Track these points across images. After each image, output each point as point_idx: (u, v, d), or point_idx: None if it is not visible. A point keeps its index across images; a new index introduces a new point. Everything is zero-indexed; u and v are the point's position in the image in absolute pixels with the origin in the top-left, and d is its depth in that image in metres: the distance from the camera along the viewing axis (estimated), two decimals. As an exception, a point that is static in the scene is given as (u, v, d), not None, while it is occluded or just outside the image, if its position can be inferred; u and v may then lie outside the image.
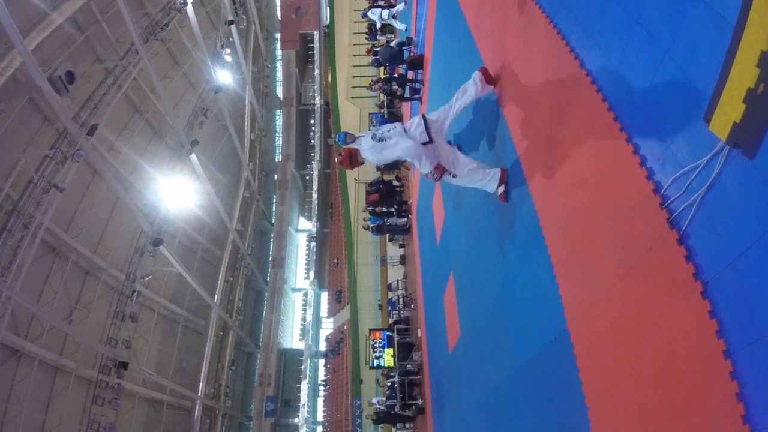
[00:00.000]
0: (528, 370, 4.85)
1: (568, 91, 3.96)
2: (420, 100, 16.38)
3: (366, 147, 5.24)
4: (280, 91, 48.40)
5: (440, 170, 5.22)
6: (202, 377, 33.97)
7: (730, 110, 2.09)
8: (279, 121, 48.91)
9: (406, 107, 20.42)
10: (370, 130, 7.81)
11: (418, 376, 17.77)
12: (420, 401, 17.41)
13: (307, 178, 49.03)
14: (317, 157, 46.08)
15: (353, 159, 5.40)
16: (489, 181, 5.30)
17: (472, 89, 5.64)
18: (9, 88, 16.14)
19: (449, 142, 5.76)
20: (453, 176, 5.17)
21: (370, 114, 27.85)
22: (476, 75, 5.75)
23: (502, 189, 5.28)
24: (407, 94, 17.89)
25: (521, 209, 4.96)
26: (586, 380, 3.55)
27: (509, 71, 5.73)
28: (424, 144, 5.04)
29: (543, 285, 4.32)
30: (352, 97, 35.34)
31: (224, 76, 29.67)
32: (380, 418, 19.28)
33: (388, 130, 5.17)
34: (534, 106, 4.94)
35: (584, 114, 3.64)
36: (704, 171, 2.28)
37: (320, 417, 43.81)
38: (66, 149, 17.31)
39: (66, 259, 22.13)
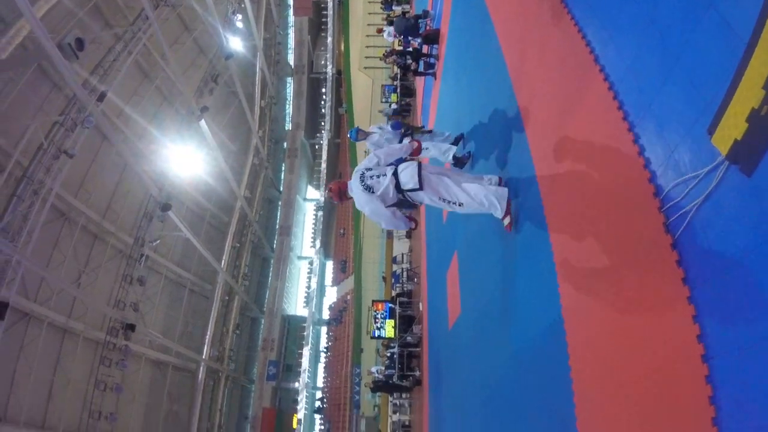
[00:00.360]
0: (522, 352, 4.97)
1: (579, 83, 4.01)
2: (434, 75, 16.28)
3: (355, 188, 5.17)
4: (291, 59, 47.98)
5: (415, 223, 5.44)
6: (207, 340, 34.49)
7: (732, 127, 2.15)
8: (290, 89, 48.53)
9: (419, 81, 20.29)
10: (380, 128, 7.79)
11: (417, 349, 17.98)
12: (417, 373, 17.62)
13: (317, 147, 49.00)
14: (327, 126, 45.97)
15: (342, 195, 5.36)
16: (492, 205, 5.15)
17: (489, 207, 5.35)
18: (18, 57, 16.10)
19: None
20: (459, 205, 5.06)
21: (382, 86, 27.61)
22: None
23: (508, 221, 5.29)
24: (421, 68, 17.78)
25: (527, 197, 5.03)
26: (575, 367, 3.67)
27: (524, 56, 5.79)
28: (413, 190, 4.98)
29: (542, 270, 4.41)
30: (365, 68, 35.07)
31: (235, 43, 29.42)
32: (378, 386, 19.64)
33: (377, 176, 5.10)
34: (545, 94, 5.00)
35: (594, 107, 3.69)
36: (703, 182, 2.35)
37: (320, 383, 44.51)
38: (75, 115, 17.30)
39: (75, 223, 22.31)
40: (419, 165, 5.02)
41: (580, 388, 3.58)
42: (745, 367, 2.03)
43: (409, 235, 24.91)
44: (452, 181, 5.00)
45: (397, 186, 4.99)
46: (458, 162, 7.73)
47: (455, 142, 8.12)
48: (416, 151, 5.46)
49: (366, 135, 7.81)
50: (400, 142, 7.50)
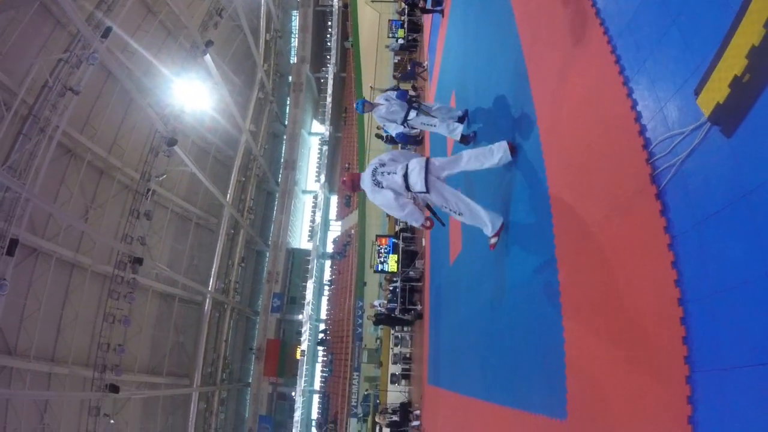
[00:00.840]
0: (517, 289, 5.23)
1: (580, 33, 4.08)
2: (441, 12, 16.05)
3: (366, 181, 5.41)
4: (297, -9, 46.91)
5: (430, 222, 5.47)
6: (212, 273, 35.07)
7: (716, 90, 2.30)
8: (295, 23, 47.51)
9: (427, 19, 19.97)
10: (386, 99, 7.59)
11: (419, 284, 18.32)
12: (419, 307, 18.01)
13: (322, 81, 48.33)
14: (333, 60, 45.21)
15: (356, 186, 5.61)
16: (486, 224, 5.46)
17: (490, 161, 5.33)
18: None
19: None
20: (459, 214, 5.32)
21: (389, 20, 27.07)
22: (503, 147, 5.33)
23: (494, 240, 5.57)
24: (429, 5, 17.51)
25: (528, 139, 5.16)
26: (565, 304, 3.91)
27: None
28: (421, 192, 5.18)
29: (539, 211, 4.61)
30: (372, 1, 34.26)
31: (240, -25, 28.78)
32: (380, 320, 20.04)
33: (388, 173, 5.28)
34: (547, 40, 5.10)
35: (593, 59, 3.78)
36: (688, 139, 2.50)
37: (324, 315, 45.42)
38: (80, 52, 17.05)
39: (81, 159, 22.44)
40: (426, 166, 5.16)
41: (569, 325, 3.82)
42: (717, 310, 2.21)
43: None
44: (454, 194, 5.27)
45: (406, 186, 5.21)
46: (464, 140, 7.83)
47: (461, 119, 8.16)
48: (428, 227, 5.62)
49: (372, 107, 7.72)
50: (407, 113, 7.48)
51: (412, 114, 7.56)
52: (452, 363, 9.80)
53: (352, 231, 38.39)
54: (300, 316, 44.46)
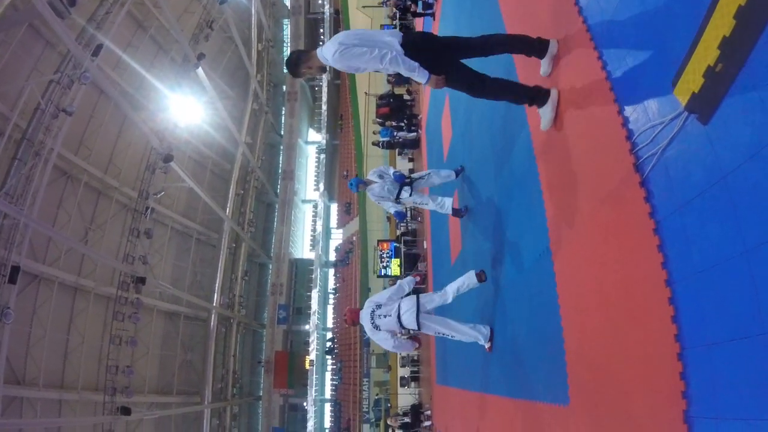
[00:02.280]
0: (515, 282, 5.42)
1: (561, 30, 4.18)
2: (432, 15, 16.23)
3: (365, 321, 5.95)
4: (287, 0, 47.08)
5: (419, 343, 6.66)
6: (216, 288, 34.93)
7: (691, 81, 2.39)
8: (287, 31, 47.63)
9: (418, 22, 20.14)
10: (380, 177, 7.73)
11: (422, 286, 18.42)
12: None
13: (316, 89, 48.48)
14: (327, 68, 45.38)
15: (355, 321, 6.14)
16: (478, 337, 6.08)
17: (468, 287, 6.14)
18: (9, 17, 15.68)
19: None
20: (452, 336, 6.03)
21: (381, 25, 27.18)
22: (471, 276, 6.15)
23: (489, 345, 6.10)
24: (420, 9, 17.69)
25: (519, 136, 5.32)
26: (561, 293, 4.07)
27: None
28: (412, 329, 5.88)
29: (533, 206, 4.76)
30: (363, 6, 34.30)
31: (229, -14, 28.85)
32: (387, 323, 20.20)
33: (384, 316, 5.85)
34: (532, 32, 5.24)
35: (574, 52, 3.93)
36: (667, 128, 2.61)
37: (330, 323, 45.48)
38: (72, 72, 16.91)
39: (78, 181, 22.41)
40: (417, 308, 5.81)
41: (567, 313, 3.96)
42: (702, 289, 2.30)
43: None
44: (444, 324, 5.98)
45: (400, 324, 5.87)
46: (456, 213, 7.95)
47: (456, 174, 8.35)
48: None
49: (366, 186, 7.74)
50: (400, 191, 7.65)
51: (405, 194, 7.72)
52: (458, 361, 9.93)
53: (354, 238, 38.47)
54: (306, 326, 44.52)
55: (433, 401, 15.09)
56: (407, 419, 19.69)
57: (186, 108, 26.24)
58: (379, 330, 5.85)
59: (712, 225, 2.26)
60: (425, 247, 17.90)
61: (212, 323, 34.41)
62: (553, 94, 4.13)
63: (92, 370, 23.47)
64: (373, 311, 5.92)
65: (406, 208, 7.79)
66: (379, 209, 30.96)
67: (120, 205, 25.54)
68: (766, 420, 1.91)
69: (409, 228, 22.04)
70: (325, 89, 45.29)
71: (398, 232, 22.83)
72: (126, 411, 21.84)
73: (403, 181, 7.66)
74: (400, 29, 23.04)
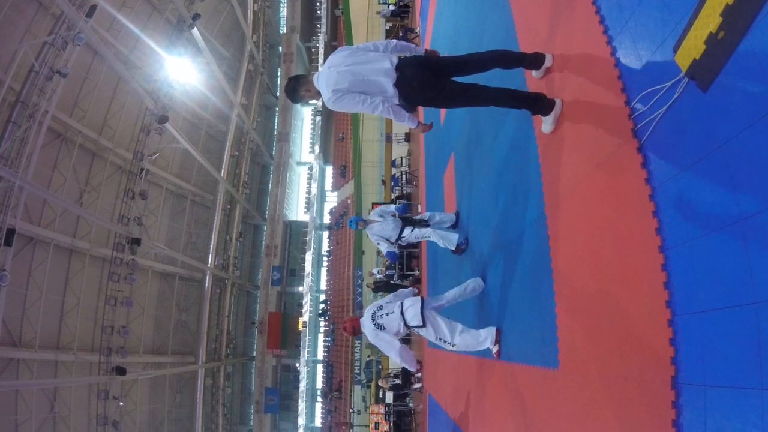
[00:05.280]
0: (509, 246, 5.43)
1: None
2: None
3: (367, 326, 5.81)
4: (282, -41, 46.23)
5: (421, 366, 6.50)
6: (211, 249, 35.13)
7: (693, 47, 2.38)
8: (282, -9, 47.02)
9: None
10: (381, 216, 7.70)
11: (417, 249, 18.52)
12: (417, 272, 18.26)
13: (313, 50, 47.96)
14: (323, 29, 44.79)
15: (356, 331, 6.02)
16: (483, 342, 5.72)
17: (466, 295, 6.30)
18: None
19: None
20: (452, 345, 5.63)
21: (377, 12, 26.75)
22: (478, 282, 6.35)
23: (496, 348, 5.69)
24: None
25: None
26: (555, 258, 4.06)
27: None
28: (417, 327, 5.61)
29: (529, 170, 4.73)
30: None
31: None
32: (379, 286, 20.35)
33: (387, 314, 5.71)
34: (534, 8, 5.18)
35: (576, 17, 3.88)
36: (666, 94, 2.61)
37: (323, 285, 45.84)
38: (65, 33, 16.70)
39: (72, 143, 22.33)
40: (422, 302, 5.64)
41: (559, 278, 3.98)
42: (695, 256, 2.30)
43: (408, 139, 25.03)
44: (448, 323, 5.66)
45: (404, 322, 5.66)
46: (457, 250, 7.91)
47: (453, 225, 8.27)
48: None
49: (366, 224, 7.74)
50: (401, 231, 7.65)
51: (407, 231, 7.72)
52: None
53: (349, 201, 38.54)
54: (300, 288, 44.88)
55: (423, 363, 15.30)
56: (398, 381, 20.03)
57: (181, 69, 25.93)
58: (383, 330, 5.71)
59: (707, 193, 2.27)
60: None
61: (207, 284, 34.61)
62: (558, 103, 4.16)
63: (88, 331, 23.70)
64: (374, 313, 5.84)
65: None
66: (374, 172, 30.97)
67: (115, 167, 25.42)
68: (752, 388, 1.94)
69: (404, 191, 22.06)
70: (321, 51, 44.76)
71: (393, 196, 22.86)
72: (121, 371, 22.09)
73: (406, 212, 7.76)
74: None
